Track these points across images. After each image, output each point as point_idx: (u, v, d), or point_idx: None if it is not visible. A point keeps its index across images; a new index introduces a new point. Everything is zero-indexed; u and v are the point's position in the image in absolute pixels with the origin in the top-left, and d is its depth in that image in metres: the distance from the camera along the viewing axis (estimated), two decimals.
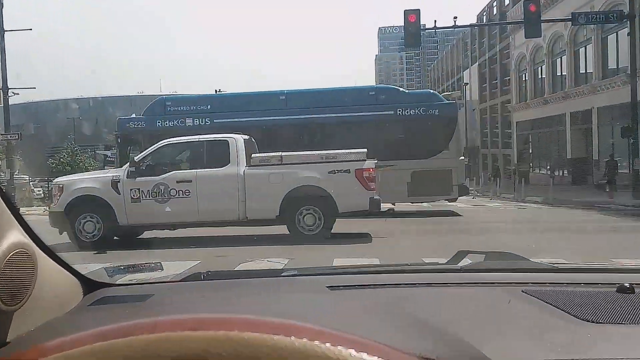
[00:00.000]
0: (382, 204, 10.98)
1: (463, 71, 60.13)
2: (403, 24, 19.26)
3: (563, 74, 32.55)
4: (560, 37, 32.03)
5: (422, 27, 20.85)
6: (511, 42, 40.85)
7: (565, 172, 31.99)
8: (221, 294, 1.63)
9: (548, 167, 35.13)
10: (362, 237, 10.60)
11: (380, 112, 16.17)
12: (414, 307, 1.43)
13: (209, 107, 16.71)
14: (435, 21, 20.08)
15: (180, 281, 1.80)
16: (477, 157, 53.18)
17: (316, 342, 0.70)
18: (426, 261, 6.59)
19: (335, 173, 10.32)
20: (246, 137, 11.26)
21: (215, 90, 54.36)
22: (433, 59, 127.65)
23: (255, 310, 1.34)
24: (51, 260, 1.42)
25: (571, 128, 31.30)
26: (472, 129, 52.45)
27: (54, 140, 53.56)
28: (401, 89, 17.58)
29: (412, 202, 16.79)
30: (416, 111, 16.26)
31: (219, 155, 10.58)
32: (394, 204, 15.56)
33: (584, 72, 30.42)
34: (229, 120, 15.91)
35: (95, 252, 9.18)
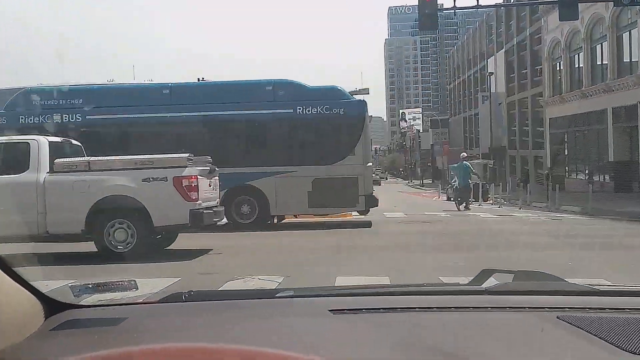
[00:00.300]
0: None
1: (487, 59, 60.28)
2: (417, 3, 19.32)
3: (604, 62, 32.61)
4: (601, 19, 32.10)
5: (439, 7, 20.86)
6: (543, 26, 40.93)
7: (607, 177, 32.01)
8: (206, 317, 1.63)
9: (586, 172, 35.17)
10: (370, 252, 10.62)
11: (278, 110, 16.16)
12: (431, 335, 1.44)
13: (81, 101, 16.51)
14: (454, 0, 20.08)
15: (157, 302, 1.81)
16: (504, 159, 53.27)
17: None
18: (445, 281, 6.59)
19: (150, 181, 10.36)
20: (57, 139, 11.34)
21: (198, 79, 54.43)
22: (452, 44, 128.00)
23: (246, 339, 1.34)
24: (7, 276, 1.42)
25: (614, 126, 31.35)
26: (497, 127, 52.51)
27: None
28: (303, 84, 16.96)
29: (313, 214, 16.85)
30: (318, 110, 16.15)
31: (17, 159, 10.61)
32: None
33: (628, 60, 30.48)
34: (102, 117, 16.03)
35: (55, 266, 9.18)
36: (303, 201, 15.86)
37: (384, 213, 20.90)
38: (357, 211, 16.91)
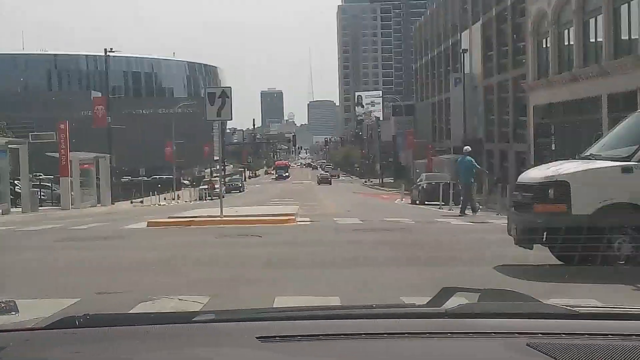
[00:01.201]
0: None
1: (461, 33, 61.14)
2: None
3: (598, 40, 33.30)
4: None
5: None
6: None
7: None
8: (105, 347, 1.63)
9: None
10: (317, 266, 10.67)
11: None
12: None
13: None
14: None
15: (45, 328, 1.79)
16: (480, 155, 54.11)
17: None
18: (407, 302, 6.68)
19: None
20: None
21: (105, 50, 53.59)
22: (419, 15, 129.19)
23: None
24: None
25: (609, 116, 32.04)
26: (473, 115, 53.34)
27: None
28: None
29: None
30: None
31: None
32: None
33: (626, 38, 31.19)
34: None
35: None
36: None
37: (335, 219, 21.00)
38: None
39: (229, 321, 1.95)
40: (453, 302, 1.97)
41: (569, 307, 1.97)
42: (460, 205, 25.17)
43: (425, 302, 2.09)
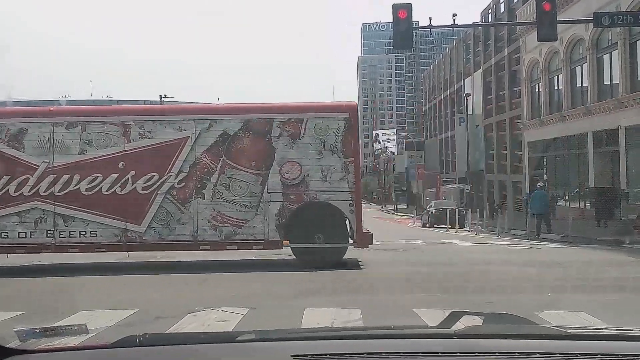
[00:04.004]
0: None
1: (464, 79, 61.19)
2: (392, 21, 19.57)
3: (584, 85, 33.27)
4: (581, 40, 32.82)
5: (414, 25, 21.12)
6: (521, 46, 41.72)
7: (588, 204, 32.54)
8: None
9: (566, 198, 35.71)
10: (340, 281, 10.67)
11: None
12: None
13: None
14: (430, 18, 20.37)
15: (109, 347, 1.80)
16: (481, 184, 53.87)
17: None
18: (419, 313, 6.67)
19: None
20: None
21: (160, 97, 54.00)
22: (428, 64, 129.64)
23: None
24: None
25: (594, 151, 31.91)
26: (475, 150, 53.17)
27: None
28: None
29: None
30: None
31: None
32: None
33: (608, 83, 31.14)
34: None
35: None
36: None
37: None
38: None
39: (267, 340, 1.96)
40: (460, 325, 1.97)
41: (561, 329, 1.95)
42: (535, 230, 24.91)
43: (437, 324, 2.09)
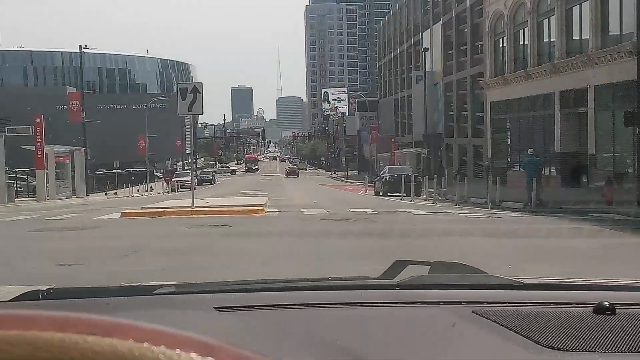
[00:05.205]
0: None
1: (422, 32, 61.43)
2: None
3: (552, 40, 33.69)
4: None
5: None
6: None
7: (553, 170, 33.22)
8: None
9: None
10: (284, 254, 10.70)
11: None
12: (334, 333, 1.47)
13: None
14: None
15: (9, 301, 1.77)
16: (439, 148, 54.48)
17: (145, 345, 0.73)
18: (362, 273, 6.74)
19: None
20: None
21: (80, 47, 52.80)
22: (383, 14, 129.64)
23: None
24: None
25: (561, 112, 32.48)
26: (433, 111, 53.68)
27: None
28: None
29: None
30: None
31: None
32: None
33: (578, 38, 31.60)
34: None
35: None
36: None
37: (302, 210, 21.02)
38: None
39: (188, 293, 1.95)
40: (405, 274, 1.99)
41: (513, 279, 2.00)
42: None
43: (379, 275, 2.11)
